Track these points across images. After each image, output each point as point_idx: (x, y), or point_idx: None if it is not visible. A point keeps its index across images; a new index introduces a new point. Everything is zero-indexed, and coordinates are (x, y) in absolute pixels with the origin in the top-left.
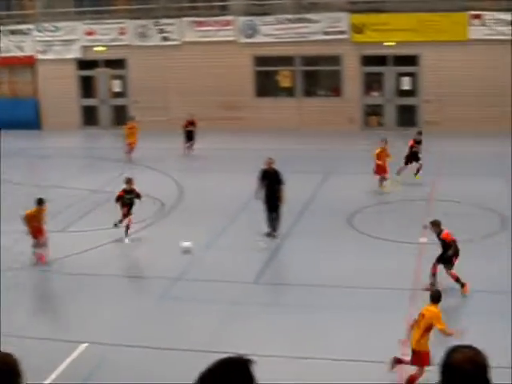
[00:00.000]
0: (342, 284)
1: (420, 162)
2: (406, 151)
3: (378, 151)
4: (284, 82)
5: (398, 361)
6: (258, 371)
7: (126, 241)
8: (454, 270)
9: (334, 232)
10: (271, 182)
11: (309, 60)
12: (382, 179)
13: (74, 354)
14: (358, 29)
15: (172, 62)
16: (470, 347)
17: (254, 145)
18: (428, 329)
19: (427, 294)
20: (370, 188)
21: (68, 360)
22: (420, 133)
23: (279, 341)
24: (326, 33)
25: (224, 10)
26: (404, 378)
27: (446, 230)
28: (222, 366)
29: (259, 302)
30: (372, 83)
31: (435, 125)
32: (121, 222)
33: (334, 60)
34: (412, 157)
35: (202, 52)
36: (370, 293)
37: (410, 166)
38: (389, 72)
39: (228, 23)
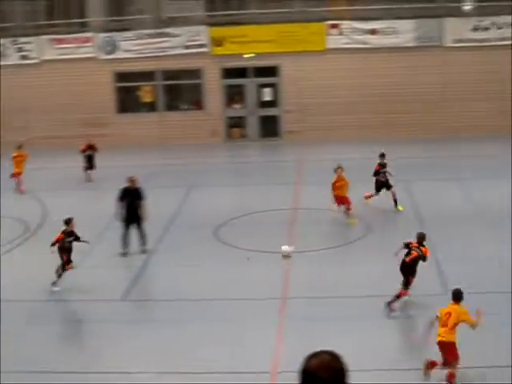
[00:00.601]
0: (211, 296)
1: (392, 189)
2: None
3: (333, 181)
4: (145, 97)
5: (431, 364)
6: None
7: (56, 288)
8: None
9: (200, 245)
10: (133, 200)
11: (170, 74)
12: (347, 211)
13: None
14: (217, 42)
15: (32, 81)
16: (328, 352)
17: (118, 162)
18: (456, 325)
19: (296, 302)
20: (234, 200)
21: None
22: (383, 155)
23: (150, 357)
24: (186, 46)
25: (83, 26)
26: None
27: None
28: None
29: (127, 319)
30: (234, 95)
31: (297, 134)
32: (64, 269)
33: (195, 73)
34: (381, 183)
35: (62, 70)
36: (240, 304)
37: (381, 192)
38: (250, 84)
39: (87, 40)
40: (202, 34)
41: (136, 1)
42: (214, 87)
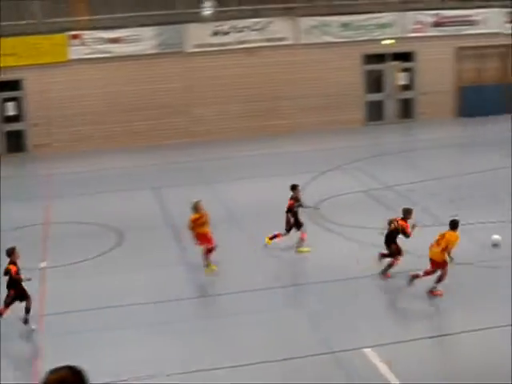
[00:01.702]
0: None
1: (302, 229)
2: None
3: (193, 218)
4: None
5: (415, 276)
6: None
7: (33, 327)
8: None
9: None
10: None
11: None
12: (208, 252)
13: None
14: None
15: None
16: (68, 367)
17: None
18: (446, 247)
19: (54, 318)
20: None
21: None
22: (294, 187)
23: None
24: None
25: None
26: None
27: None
28: None
29: None
30: None
31: (45, 148)
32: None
33: None
34: (295, 221)
35: None
36: None
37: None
38: None
39: None
40: None
41: None
42: None
